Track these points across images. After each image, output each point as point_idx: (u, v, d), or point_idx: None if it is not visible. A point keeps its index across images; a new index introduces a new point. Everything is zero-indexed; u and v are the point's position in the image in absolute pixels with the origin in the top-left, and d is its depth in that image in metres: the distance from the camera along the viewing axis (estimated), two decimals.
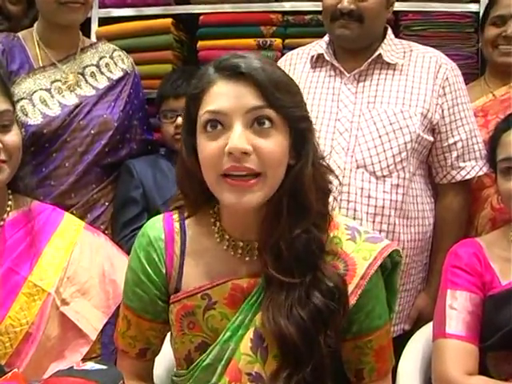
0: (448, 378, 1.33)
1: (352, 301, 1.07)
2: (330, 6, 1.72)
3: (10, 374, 1.00)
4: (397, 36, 2.09)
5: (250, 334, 1.07)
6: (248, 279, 1.09)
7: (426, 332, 1.54)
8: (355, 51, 1.76)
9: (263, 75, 1.00)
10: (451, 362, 1.33)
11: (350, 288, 1.07)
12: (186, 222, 1.15)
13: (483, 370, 1.35)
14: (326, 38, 1.83)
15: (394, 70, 1.75)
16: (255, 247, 1.10)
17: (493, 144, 1.50)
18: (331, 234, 1.10)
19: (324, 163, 1.11)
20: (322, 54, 1.79)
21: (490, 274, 1.41)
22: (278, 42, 2.22)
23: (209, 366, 1.08)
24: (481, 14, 2.06)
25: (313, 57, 1.81)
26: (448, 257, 1.48)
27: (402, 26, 2.17)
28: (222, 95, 1.01)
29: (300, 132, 1.05)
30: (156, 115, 2.02)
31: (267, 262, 1.05)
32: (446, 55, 1.83)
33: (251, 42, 2.21)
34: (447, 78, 1.75)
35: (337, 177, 1.12)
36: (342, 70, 1.76)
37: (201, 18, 2.27)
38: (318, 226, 1.07)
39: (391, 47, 1.77)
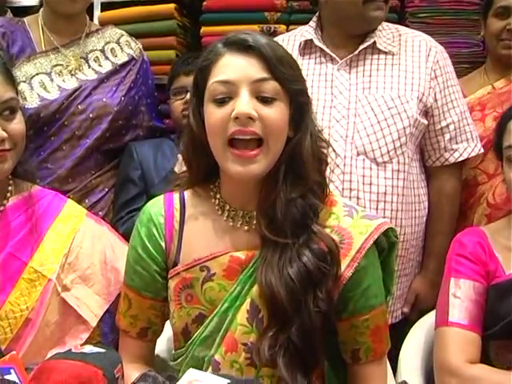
0: (449, 366, 1.33)
1: (348, 273, 1.09)
2: None
3: (7, 356, 1.00)
4: (402, 23, 2.08)
5: (246, 304, 1.09)
6: (246, 251, 1.11)
7: (427, 320, 1.54)
8: (347, 37, 1.71)
9: (269, 50, 1.08)
10: (453, 350, 1.33)
11: (347, 261, 1.09)
12: (186, 197, 1.19)
13: (485, 359, 1.35)
14: (312, 23, 1.79)
15: (386, 54, 1.72)
16: (254, 216, 1.12)
17: (499, 131, 1.49)
18: (329, 210, 1.13)
19: (321, 136, 1.16)
20: (311, 39, 1.75)
21: (494, 263, 1.40)
22: (282, 28, 2.19)
23: (207, 339, 1.10)
24: None
25: (300, 43, 1.77)
26: (452, 245, 1.48)
27: (408, 12, 2.14)
28: (230, 66, 1.08)
29: (299, 105, 1.12)
30: (164, 102, 2.00)
31: (261, 224, 1.09)
32: (452, 43, 1.80)
33: (255, 28, 2.18)
34: (438, 61, 1.73)
35: (334, 150, 1.16)
36: (334, 55, 1.72)
37: (204, 3, 2.24)
38: (315, 193, 1.12)
39: (382, 33, 1.74)
